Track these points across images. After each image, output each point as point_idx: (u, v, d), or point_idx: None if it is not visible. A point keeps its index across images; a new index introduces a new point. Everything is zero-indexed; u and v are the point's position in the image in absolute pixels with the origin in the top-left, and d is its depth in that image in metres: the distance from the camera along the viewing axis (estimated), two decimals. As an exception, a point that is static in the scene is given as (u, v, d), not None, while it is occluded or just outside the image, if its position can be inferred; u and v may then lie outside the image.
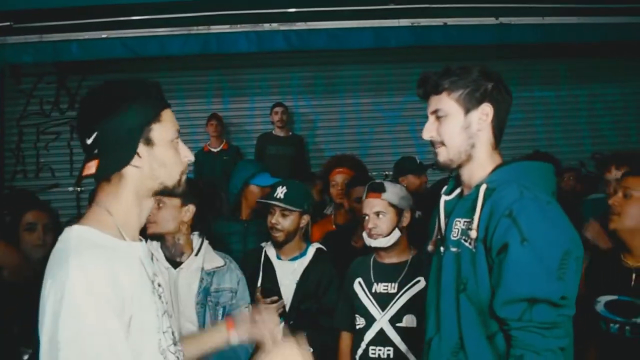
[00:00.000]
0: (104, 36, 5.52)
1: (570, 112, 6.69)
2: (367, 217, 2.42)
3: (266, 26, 5.61)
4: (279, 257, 2.73)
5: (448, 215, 1.64)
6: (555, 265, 1.38)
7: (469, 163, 1.60)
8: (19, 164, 6.37)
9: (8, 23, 5.60)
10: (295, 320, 2.60)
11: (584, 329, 2.05)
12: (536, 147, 5.91)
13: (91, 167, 1.23)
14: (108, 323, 1.12)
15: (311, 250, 2.73)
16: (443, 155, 1.61)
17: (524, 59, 6.50)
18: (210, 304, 2.38)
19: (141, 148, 1.25)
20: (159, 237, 2.38)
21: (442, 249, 1.62)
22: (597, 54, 6.32)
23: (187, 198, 2.36)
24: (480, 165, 1.59)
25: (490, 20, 5.66)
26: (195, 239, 2.46)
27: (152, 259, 2.31)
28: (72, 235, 1.21)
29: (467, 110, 1.58)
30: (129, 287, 1.18)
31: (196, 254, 2.42)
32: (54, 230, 2.54)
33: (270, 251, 2.75)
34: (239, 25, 5.60)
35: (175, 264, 2.40)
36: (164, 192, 1.32)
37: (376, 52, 6.19)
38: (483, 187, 1.51)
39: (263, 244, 2.81)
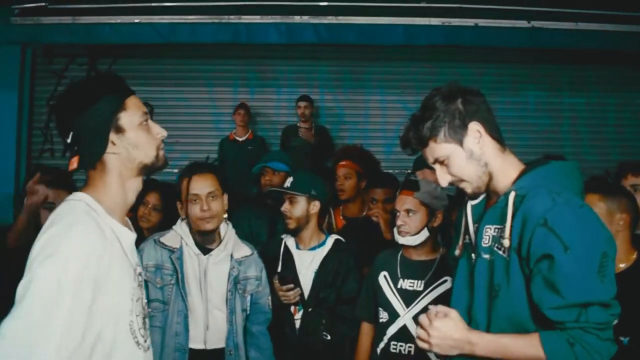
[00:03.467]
0: (136, 21, 5.59)
1: (598, 120, 6.60)
2: (398, 214, 2.44)
3: (297, 18, 5.63)
4: (298, 247, 2.78)
5: (476, 221, 1.65)
6: (596, 268, 1.40)
7: (492, 178, 1.59)
8: (47, 143, 6.47)
9: (43, 3, 5.70)
10: (314, 308, 2.65)
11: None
12: (562, 154, 5.86)
13: (73, 163, 1.39)
14: (65, 299, 1.21)
15: (330, 241, 2.78)
16: (469, 188, 1.61)
17: (555, 63, 6.43)
18: (239, 291, 2.45)
19: (113, 136, 1.40)
20: (208, 234, 2.42)
21: (473, 255, 1.63)
22: (629, 62, 6.23)
23: (224, 188, 2.44)
24: (502, 174, 1.59)
25: (522, 24, 5.62)
26: (223, 227, 2.50)
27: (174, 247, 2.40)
28: (76, 200, 1.38)
29: (460, 142, 1.57)
30: (107, 264, 1.31)
31: (225, 243, 2.47)
32: None
33: (290, 241, 2.80)
34: (269, 16, 5.63)
35: (204, 250, 2.43)
36: (147, 170, 1.47)
37: (405, 49, 6.18)
38: (512, 195, 1.51)
39: (283, 236, 2.86)
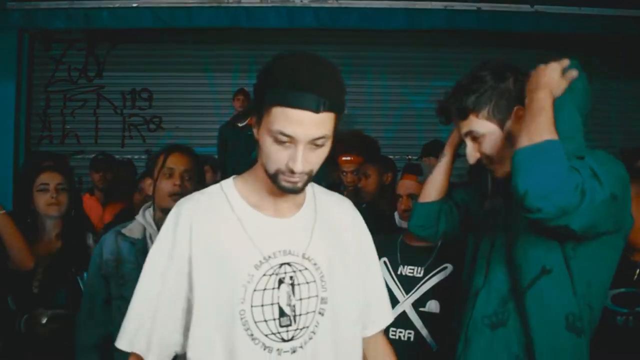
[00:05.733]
0: (134, 5, 5.52)
1: (601, 106, 6.53)
2: (400, 198, 2.41)
3: (297, 2, 5.57)
4: None
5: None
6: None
7: None
8: (45, 129, 6.43)
9: (40, -12, 5.63)
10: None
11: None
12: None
13: None
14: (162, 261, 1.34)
15: None
16: (500, 171, 1.57)
17: (557, 49, 6.34)
18: None
19: None
20: None
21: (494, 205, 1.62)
22: (632, 48, 6.16)
23: (201, 177, 2.34)
24: None
25: (525, 8, 5.55)
26: None
27: None
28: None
29: (502, 123, 1.53)
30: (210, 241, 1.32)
31: None
32: (69, 190, 2.55)
33: None
34: (269, 0, 5.56)
35: None
36: None
37: (407, 34, 6.11)
38: None
39: None
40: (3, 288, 2.39)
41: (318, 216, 1.41)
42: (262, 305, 1.27)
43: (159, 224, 2.21)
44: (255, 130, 1.32)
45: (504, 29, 5.57)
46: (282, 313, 1.29)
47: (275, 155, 1.26)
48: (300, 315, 1.30)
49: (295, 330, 1.29)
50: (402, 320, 2.31)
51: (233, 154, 5.69)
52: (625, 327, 2.05)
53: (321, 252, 1.35)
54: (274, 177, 1.29)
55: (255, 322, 1.26)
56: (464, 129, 1.58)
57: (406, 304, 2.33)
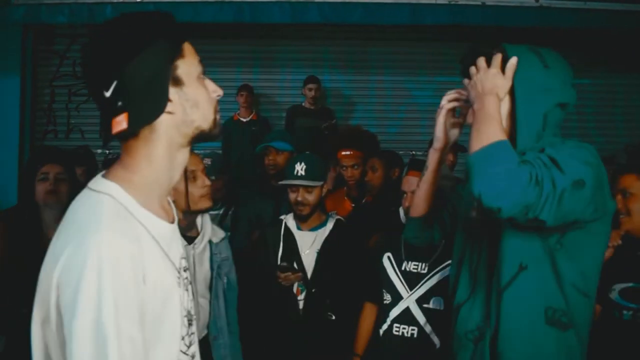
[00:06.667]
0: (138, 0, 5.53)
1: (606, 101, 6.52)
2: (405, 195, 2.41)
3: (301, -3, 5.56)
4: (299, 228, 2.77)
5: None
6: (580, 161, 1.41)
7: None
8: (50, 124, 6.45)
9: (43, -16, 5.64)
10: (318, 289, 2.64)
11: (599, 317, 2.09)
12: (569, 135, 5.80)
13: (121, 122, 1.04)
14: (123, 325, 0.96)
15: (331, 221, 2.78)
16: None
17: (562, 43, 6.31)
18: (220, 275, 2.37)
19: (170, 90, 1.08)
20: (206, 211, 2.32)
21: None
22: (638, 42, 6.13)
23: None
24: None
25: (530, 2, 5.53)
26: None
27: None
28: (101, 200, 1.05)
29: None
30: (154, 278, 1.04)
31: (204, 227, 2.36)
32: (69, 181, 2.57)
33: (290, 222, 2.79)
34: (273, -5, 5.56)
35: (188, 239, 2.26)
36: (200, 138, 1.15)
37: (411, 29, 6.09)
38: None
39: (282, 217, 2.84)
40: (5, 285, 2.40)
41: None
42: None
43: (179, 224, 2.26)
44: None
45: (508, 24, 5.54)
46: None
47: None
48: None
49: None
50: (405, 317, 2.32)
51: (238, 149, 5.70)
52: (632, 322, 2.06)
53: None
54: None
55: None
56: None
57: (410, 300, 2.33)
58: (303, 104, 6.04)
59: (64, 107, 6.45)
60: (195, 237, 2.29)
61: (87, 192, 1.08)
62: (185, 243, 2.24)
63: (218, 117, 1.17)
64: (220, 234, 2.43)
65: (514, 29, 5.79)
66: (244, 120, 6.03)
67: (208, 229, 2.36)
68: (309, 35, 6.35)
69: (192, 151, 2.21)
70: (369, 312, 2.54)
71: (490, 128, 1.40)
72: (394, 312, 2.35)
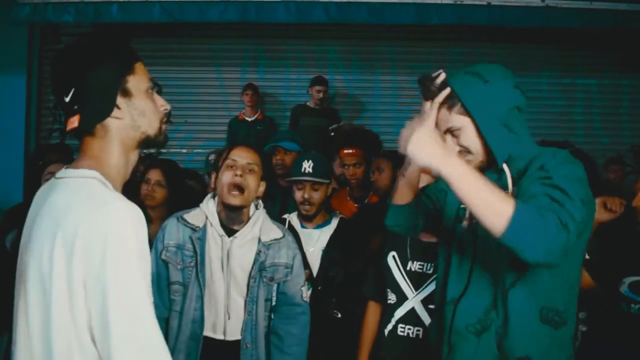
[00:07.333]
0: (144, -1, 5.54)
1: (612, 102, 6.49)
2: None
3: (306, -4, 5.56)
4: (303, 226, 2.78)
5: None
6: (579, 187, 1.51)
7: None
8: (56, 123, 6.43)
9: (50, -17, 5.65)
10: (324, 287, 2.65)
11: (608, 310, 2.14)
12: (574, 136, 5.79)
13: (74, 122, 1.27)
14: (142, 274, 1.17)
15: (335, 220, 2.79)
16: (474, 163, 1.64)
17: (568, 44, 6.31)
18: (264, 279, 2.25)
19: (119, 100, 1.28)
20: (234, 209, 2.22)
21: (474, 220, 1.66)
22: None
23: (265, 173, 2.31)
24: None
25: (536, 2, 5.51)
26: (252, 207, 2.32)
27: (206, 222, 2.25)
28: (90, 182, 1.24)
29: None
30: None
31: (253, 224, 2.28)
32: None
33: (294, 221, 2.80)
34: (278, -5, 5.56)
35: (229, 231, 2.25)
36: (148, 143, 1.35)
37: (416, 29, 6.08)
38: (505, 166, 1.61)
39: (286, 215, 2.84)
40: (7, 279, 2.40)
41: None
42: None
43: (219, 213, 2.26)
44: None
45: (514, 24, 5.53)
46: None
47: None
48: None
49: None
50: (411, 317, 2.32)
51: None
52: (639, 316, 2.08)
53: None
54: None
55: None
56: (442, 126, 1.64)
57: (415, 300, 2.33)
58: (308, 103, 6.03)
59: (70, 106, 6.46)
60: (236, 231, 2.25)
61: (63, 181, 1.27)
62: (223, 233, 2.23)
63: (164, 127, 1.38)
64: (275, 233, 2.31)
65: (520, 29, 5.79)
66: (249, 119, 6.04)
67: (257, 225, 2.28)
68: (314, 34, 6.34)
69: (252, 148, 2.29)
70: (372, 312, 2.52)
71: (483, 192, 1.41)
72: (399, 313, 2.34)
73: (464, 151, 1.63)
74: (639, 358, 2.06)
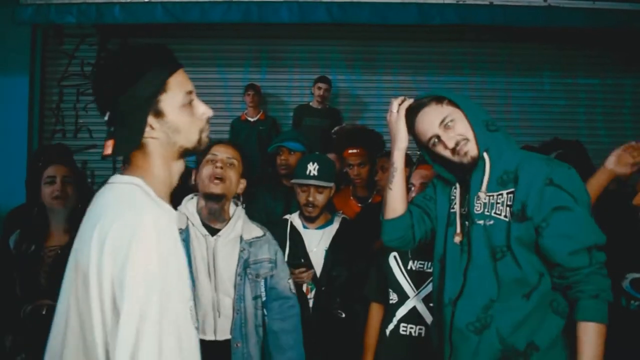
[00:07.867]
0: (146, 0, 5.54)
1: (614, 101, 6.48)
2: (412, 187, 2.40)
3: (308, -3, 5.56)
4: (305, 227, 2.78)
5: (463, 193, 1.82)
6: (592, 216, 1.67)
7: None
8: (59, 124, 6.48)
9: (52, -16, 5.66)
10: (327, 287, 2.66)
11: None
12: (577, 136, 5.78)
13: (108, 147, 1.29)
14: (161, 284, 1.18)
15: (337, 220, 2.80)
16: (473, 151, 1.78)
17: (570, 43, 6.30)
18: (249, 276, 2.28)
19: (152, 120, 1.29)
20: (216, 198, 2.25)
21: (466, 223, 1.77)
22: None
23: (245, 170, 2.35)
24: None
25: (538, 2, 5.51)
26: (232, 207, 2.37)
27: (187, 223, 2.29)
28: (132, 188, 1.28)
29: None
30: (179, 246, 1.29)
31: (235, 222, 2.32)
32: (76, 183, 2.59)
33: (296, 221, 2.80)
34: (281, -5, 5.56)
35: (211, 230, 2.28)
36: (187, 154, 1.37)
37: (419, 29, 6.09)
38: (486, 155, 1.72)
39: (287, 216, 2.84)
40: (10, 280, 2.41)
41: None
42: None
43: (200, 212, 2.29)
44: None
45: (516, 24, 5.52)
46: None
47: None
48: None
49: None
50: (412, 316, 2.31)
51: (245, 149, 5.70)
52: (638, 313, 2.09)
53: None
54: None
55: None
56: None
57: (416, 299, 2.32)
58: (310, 103, 6.04)
59: (72, 106, 6.48)
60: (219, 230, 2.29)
61: (111, 185, 1.31)
62: (206, 233, 2.26)
63: (204, 135, 1.39)
64: (255, 232, 2.36)
65: (522, 29, 5.78)
66: (252, 119, 6.04)
67: (239, 224, 2.32)
68: (317, 35, 6.35)
69: (227, 142, 2.36)
70: (375, 313, 2.52)
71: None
72: (401, 312, 2.34)
73: (462, 139, 1.72)
74: (635, 354, 2.07)
